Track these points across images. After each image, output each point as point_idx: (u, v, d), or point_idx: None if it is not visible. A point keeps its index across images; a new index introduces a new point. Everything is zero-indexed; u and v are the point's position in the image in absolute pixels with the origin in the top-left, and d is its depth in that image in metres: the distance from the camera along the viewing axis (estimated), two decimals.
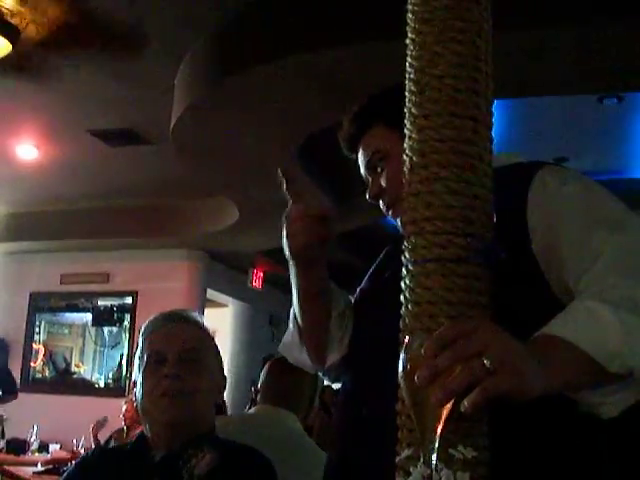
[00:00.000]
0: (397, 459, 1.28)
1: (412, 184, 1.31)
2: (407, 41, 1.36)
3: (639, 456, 1.49)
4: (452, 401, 1.12)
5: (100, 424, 7.76)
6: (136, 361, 2.19)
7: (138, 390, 2.15)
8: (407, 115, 1.33)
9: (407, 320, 1.28)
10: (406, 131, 1.33)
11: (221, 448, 2.07)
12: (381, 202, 2.00)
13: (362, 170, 2.06)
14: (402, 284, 1.30)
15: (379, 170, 1.98)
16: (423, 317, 1.26)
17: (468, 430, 1.22)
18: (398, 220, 1.93)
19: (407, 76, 1.35)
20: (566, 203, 1.56)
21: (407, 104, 1.33)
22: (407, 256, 1.30)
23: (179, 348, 2.13)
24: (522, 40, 4.31)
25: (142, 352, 2.18)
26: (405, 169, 1.33)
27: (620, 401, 1.37)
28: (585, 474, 1.44)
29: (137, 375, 2.17)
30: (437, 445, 1.12)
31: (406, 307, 1.29)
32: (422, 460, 1.15)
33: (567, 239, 1.52)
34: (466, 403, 1.12)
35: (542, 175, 1.62)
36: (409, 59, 1.35)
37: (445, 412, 1.12)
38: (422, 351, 1.14)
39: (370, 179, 2.02)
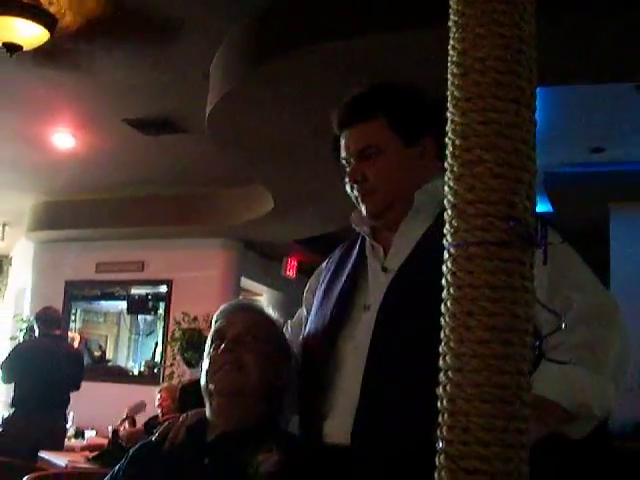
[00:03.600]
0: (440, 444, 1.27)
1: (454, 167, 1.30)
2: (450, 23, 1.34)
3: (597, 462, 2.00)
4: None
5: (136, 409, 7.80)
6: (205, 350, 2.30)
7: (202, 371, 2.25)
8: (450, 98, 1.32)
9: (449, 304, 1.28)
10: (448, 114, 1.32)
11: (289, 448, 2.09)
12: (355, 188, 2.21)
13: (345, 152, 2.24)
14: (444, 267, 1.30)
15: (369, 160, 2.18)
16: (464, 301, 1.25)
17: None
18: (363, 208, 2.21)
19: (449, 59, 1.34)
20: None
21: (450, 87, 1.32)
22: (449, 239, 1.29)
23: (237, 329, 2.23)
24: (559, 28, 4.28)
25: (209, 338, 2.30)
26: (447, 152, 1.32)
27: (584, 429, 1.91)
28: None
29: (205, 360, 2.28)
30: None
31: (447, 290, 1.29)
32: None
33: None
34: None
35: None
36: (452, 41, 1.34)
37: None
38: None
39: (353, 162, 2.21)
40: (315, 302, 2.37)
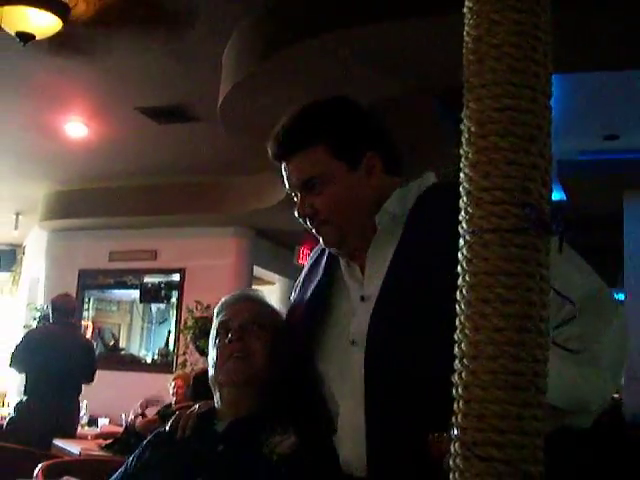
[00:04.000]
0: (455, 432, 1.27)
1: (470, 154, 1.30)
2: (464, 10, 1.34)
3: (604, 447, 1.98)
4: None
5: (151, 402, 7.82)
6: (210, 341, 2.32)
7: (210, 363, 2.28)
8: (465, 84, 1.32)
9: (464, 291, 1.28)
10: (464, 100, 1.32)
11: (304, 431, 2.10)
12: (308, 220, 2.09)
13: (288, 184, 2.12)
14: (459, 255, 1.29)
15: (315, 191, 2.06)
16: (480, 288, 1.25)
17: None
18: (320, 239, 2.12)
19: (465, 45, 1.33)
20: None
21: (465, 73, 1.32)
22: (464, 227, 1.29)
23: (242, 319, 2.24)
24: (574, 14, 4.26)
25: (214, 330, 2.31)
26: (463, 139, 1.31)
27: (584, 422, 1.86)
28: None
29: (211, 352, 2.30)
30: None
31: (463, 278, 1.28)
32: None
33: None
34: None
35: None
36: (467, 28, 1.33)
37: None
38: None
39: (300, 195, 2.10)
40: (287, 315, 2.34)
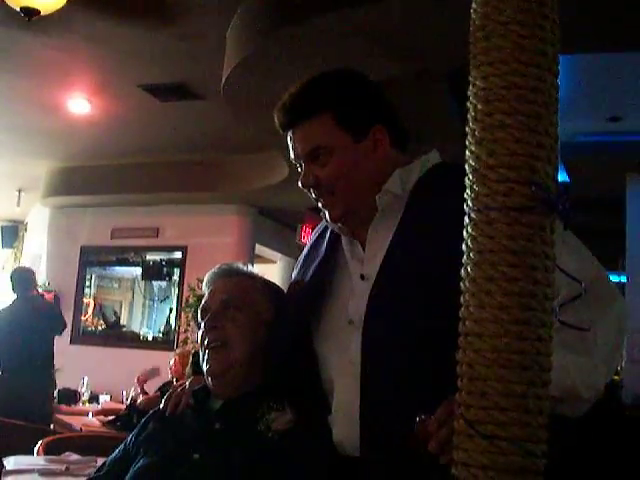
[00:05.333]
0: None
1: (476, 132, 1.29)
2: None
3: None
4: None
5: (150, 374, 7.81)
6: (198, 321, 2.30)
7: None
8: (472, 62, 1.32)
9: (469, 269, 1.28)
10: (470, 78, 1.31)
11: (300, 408, 2.09)
12: (312, 191, 2.08)
13: (294, 154, 2.11)
14: (464, 232, 1.29)
15: (319, 161, 2.04)
16: (485, 265, 1.25)
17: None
18: (327, 212, 2.09)
19: (472, 22, 1.32)
20: None
21: (472, 51, 1.32)
22: (470, 204, 1.29)
23: (218, 300, 2.22)
24: None
25: (199, 310, 2.29)
26: (469, 116, 1.31)
27: (577, 411, 1.78)
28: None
29: (198, 333, 2.29)
30: None
31: (468, 256, 1.28)
32: None
33: None
34: None
35: None
36: (474, 5, 1.32)
37: None
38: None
39: (303, 165, 2.09)
40: (287, 293, 2.33)
